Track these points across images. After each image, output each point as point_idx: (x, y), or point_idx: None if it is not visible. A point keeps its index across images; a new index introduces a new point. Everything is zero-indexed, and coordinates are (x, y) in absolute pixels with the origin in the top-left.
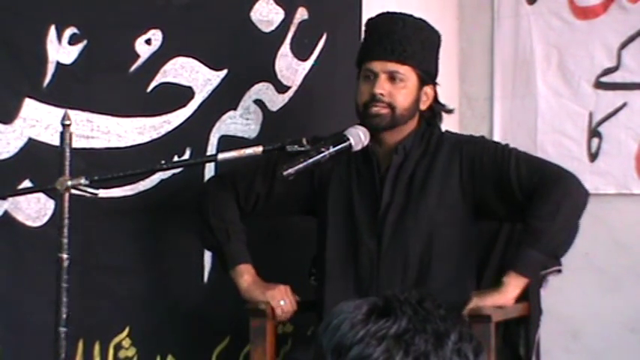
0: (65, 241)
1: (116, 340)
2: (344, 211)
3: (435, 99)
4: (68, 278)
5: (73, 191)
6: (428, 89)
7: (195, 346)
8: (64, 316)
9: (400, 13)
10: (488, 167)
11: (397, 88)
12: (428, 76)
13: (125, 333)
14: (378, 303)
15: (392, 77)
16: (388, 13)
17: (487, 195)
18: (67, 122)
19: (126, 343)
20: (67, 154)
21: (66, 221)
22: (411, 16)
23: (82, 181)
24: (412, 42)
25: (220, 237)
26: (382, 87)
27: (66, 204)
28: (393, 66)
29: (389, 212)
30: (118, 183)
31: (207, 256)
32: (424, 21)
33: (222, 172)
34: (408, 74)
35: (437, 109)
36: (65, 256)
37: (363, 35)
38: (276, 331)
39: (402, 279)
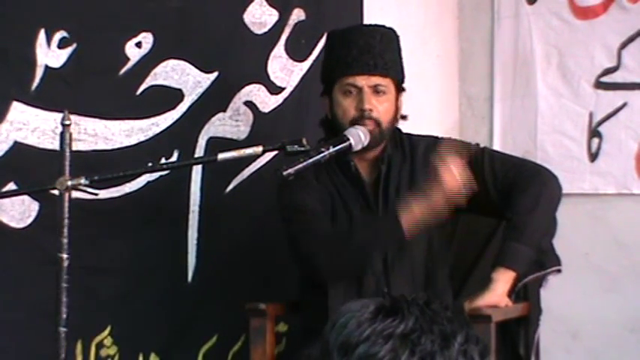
0: (65, 241)
1: (98, 338)
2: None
3: None
4: (68, 278)
5: (55, 192)
6: (400, 97)
7: (180, 344)
8: (64, 316)
9: (375, 25)
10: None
11: (380, 101)
12: (401, 84)
13: (107, 332)
14: (385, 303)
15: (376, 91)
16: (364, 25)
17: None
18: (67, 122)
19: (107, 341)
20: (67, 154)
21: (66, 221)
22: (383, 26)
23: (82, 181)
24: (390, 54)
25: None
26: (370, 102)
27: (66, 204)
28: (377, 79)
29: None
30: (113, 184)
31: (192, 256)
32: (392, 30)
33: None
34: (389, 86)
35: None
36: (65, 255)
37: (330, 48)
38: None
39: (411, 289)
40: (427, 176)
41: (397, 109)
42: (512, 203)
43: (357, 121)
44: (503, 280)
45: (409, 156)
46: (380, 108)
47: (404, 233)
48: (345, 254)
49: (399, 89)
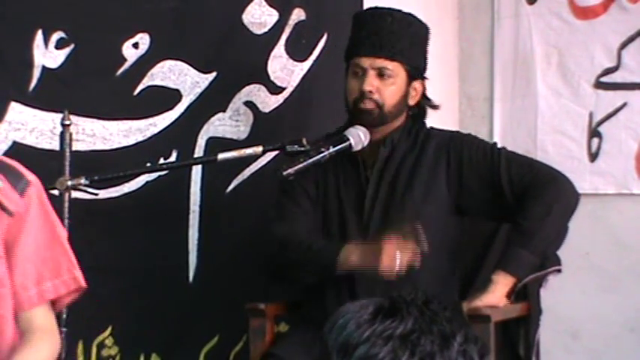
0: None
1: (99, 338)
2: (332, 212)
3: (423, 94)
4: None
5: (55, 192)
6: (417, 84)
7: (181, 344)
8: (64, 316)
9: (389, 8)
10: (477, 164)
11: (386, 84)
12: (416, 71)
13: (108, 332)
14: (384, 303)
15: (381, 73)
16: (377, 8)
17: (473, 192)
18: (67, 122)
19: (109, 341)
20: (67, 154)
21: (66, 221)
22: (399, 11)
23: (82, 181)
24: (401, 37)
25: (304, 258)
26: (371, 84)
27: (66, 204)
28: (381, 62)
29: (375, 207)
30: (112, 184)
31: (193, 256)
32: (413, 15)
33: (273, 222)
34: (396, 70)
35: (423, 104)
36: None
37: (351, 29)
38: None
39: (388, 286)
40: (432, 170)
41: (406, 95)
42: (524, 208)
43: (357, 102)
44: (503, 283)
45: (420, 146)
46: (384, 91)
47: (334, 268)
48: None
49: (413, 76)
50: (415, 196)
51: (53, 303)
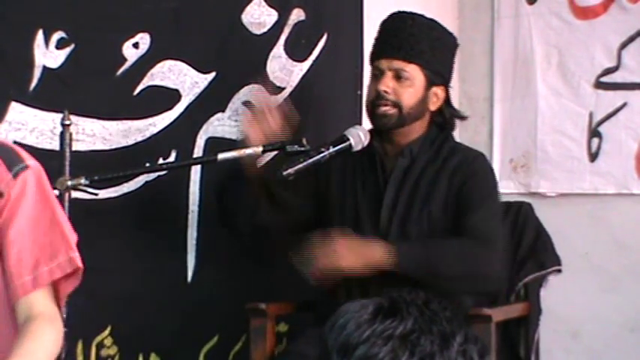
0: None
1: (98, 338)
2: (348, 212)
3: (447, 102)
4: None
5: (55, 192)
6: (438, 90)
7: (181, 344)
8: (64, 316)
9: (412, 13)
10: (465, 196)
11: (403, 86)
12: (437, 76)
13: (107, 332)
14: (384, 303)
15: (398, 75)
16: (400, 12)
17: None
18: (67, 122)
19: (107, 341)
20: (67, 154)
21: None
22: (422, 15)
23: (82, 181)
24: (420, 41)
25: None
26: (386, 84)
27: (66, 204)
28: (398, 64)
29: (394, 217)
30: (112, 184)
31: (191, 256)
32: (437, 22)
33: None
34: (414, 73)
35: (447, 112)
36: None
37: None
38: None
39: (401, 282)
40: (450, 185)
41: (425, 99)
42: (461, 242)
43: (374, 104)
44: (379, 256)
45: (442, 159)
46: (402, 93)
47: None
48: None
49: (432, 80)
50: (433, 209)
51: (54, 291)
